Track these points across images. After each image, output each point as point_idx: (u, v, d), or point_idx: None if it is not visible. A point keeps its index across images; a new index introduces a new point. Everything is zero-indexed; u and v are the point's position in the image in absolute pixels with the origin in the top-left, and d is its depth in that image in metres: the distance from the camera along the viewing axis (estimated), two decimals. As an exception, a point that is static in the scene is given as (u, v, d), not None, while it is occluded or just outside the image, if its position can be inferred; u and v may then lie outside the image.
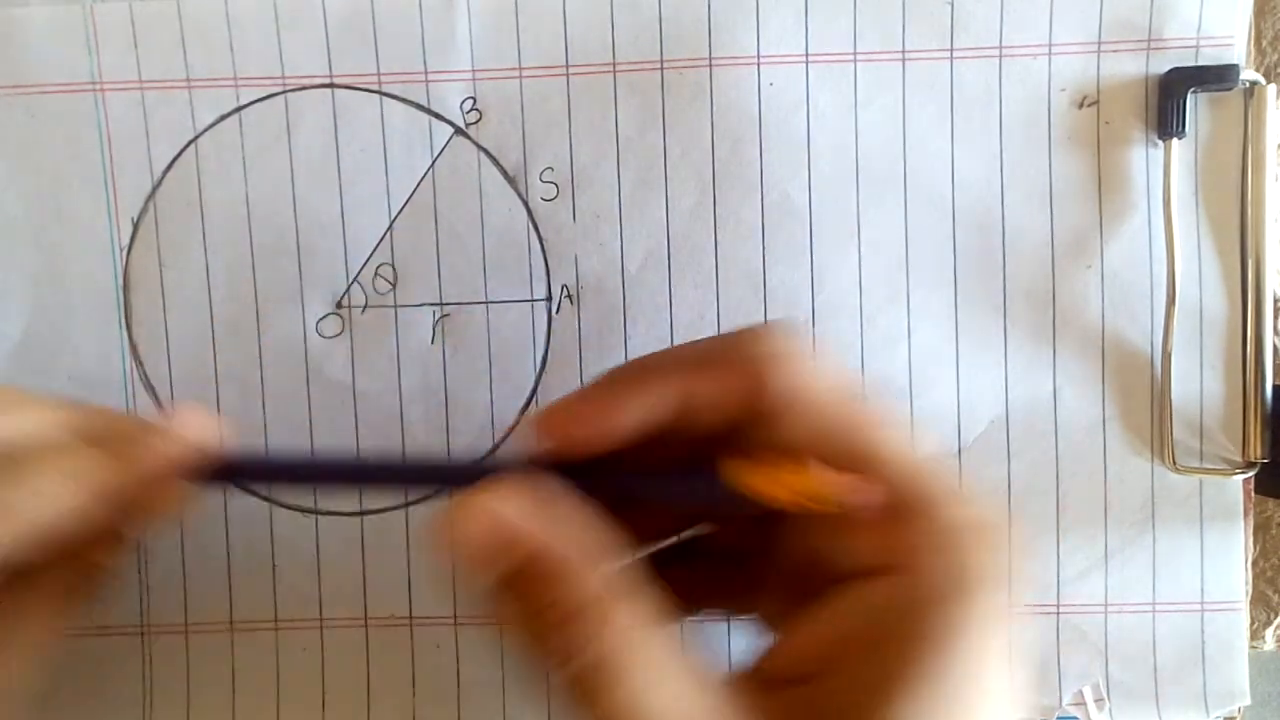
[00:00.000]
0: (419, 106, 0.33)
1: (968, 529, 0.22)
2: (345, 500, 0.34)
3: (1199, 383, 0.33)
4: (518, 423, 0.34)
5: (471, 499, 0.23)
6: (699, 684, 0.22)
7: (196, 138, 0.34)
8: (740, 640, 0.34)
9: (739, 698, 0.22)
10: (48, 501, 0.24)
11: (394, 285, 0.34)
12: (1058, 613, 0.34)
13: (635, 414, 0.24)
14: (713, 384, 0.24)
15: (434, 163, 0.33)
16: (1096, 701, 0.33)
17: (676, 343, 0.34)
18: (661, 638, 0.22)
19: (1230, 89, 0.32)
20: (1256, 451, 0.33)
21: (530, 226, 0.34)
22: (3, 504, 0.23)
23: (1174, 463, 0.33)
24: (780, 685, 0.23)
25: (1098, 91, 0.33)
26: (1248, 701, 0.33)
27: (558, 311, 0.34)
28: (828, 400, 0.24)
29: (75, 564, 0.27)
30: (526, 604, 0.22)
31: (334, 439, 0.34)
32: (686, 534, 0.28)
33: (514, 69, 0.33)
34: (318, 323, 0.34)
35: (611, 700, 0.21)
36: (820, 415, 0.24)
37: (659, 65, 0.33)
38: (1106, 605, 0.34)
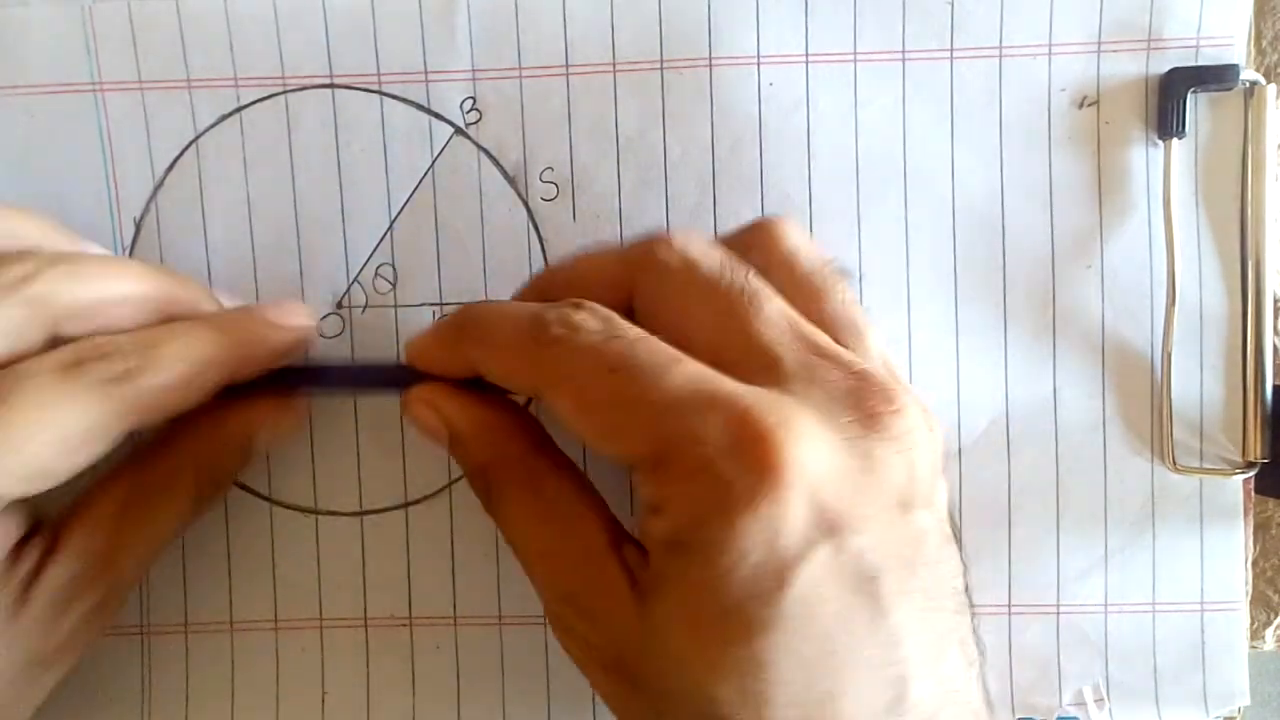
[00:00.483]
0: (419, 106, 0.33)
1: (700, 469, 0.24)
2: (345, 500, 0.34)
3: (1199, 383, 0.33)
4: (518, 423, 0.34)
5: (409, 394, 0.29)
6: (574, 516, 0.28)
7: (198, 138, 0.34)
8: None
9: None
10: (177, 371, 0.27)
11: (394, 285, 0.34)
12: (1057, 613, 0.34)
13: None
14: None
15: (434, 163, 0.34)
16: (1096, 701, 0.33)
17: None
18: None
19: (1230, 89, 0.32)
20: (1256, 451, 0.33)
21: (530, 226, 0.34)
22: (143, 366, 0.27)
23: (1174, 463, 0.33)
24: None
25: (1098, 91, 0.33)
26: (1248, 702, 0.33)
27: (558, 311, 0.34)
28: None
29: (205, 470, 0.30)
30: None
31: (334, 438, 0.34)
32: None
33: (514, 69, 0.33)
34: (318, 322, 0.34)
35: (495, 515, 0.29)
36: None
37: (659, 65, 0.33)
38: (1106, 605, 0.34)
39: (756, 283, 0.27)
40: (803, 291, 0.27)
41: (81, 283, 0.27)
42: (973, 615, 0.27)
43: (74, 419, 0.26)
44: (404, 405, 0.29)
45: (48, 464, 0.26)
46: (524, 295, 0.30)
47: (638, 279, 0.28)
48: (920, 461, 0.25)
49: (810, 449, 0.23)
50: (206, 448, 0.30)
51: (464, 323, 0.28)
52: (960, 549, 0.27)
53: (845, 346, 0.27)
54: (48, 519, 0.29)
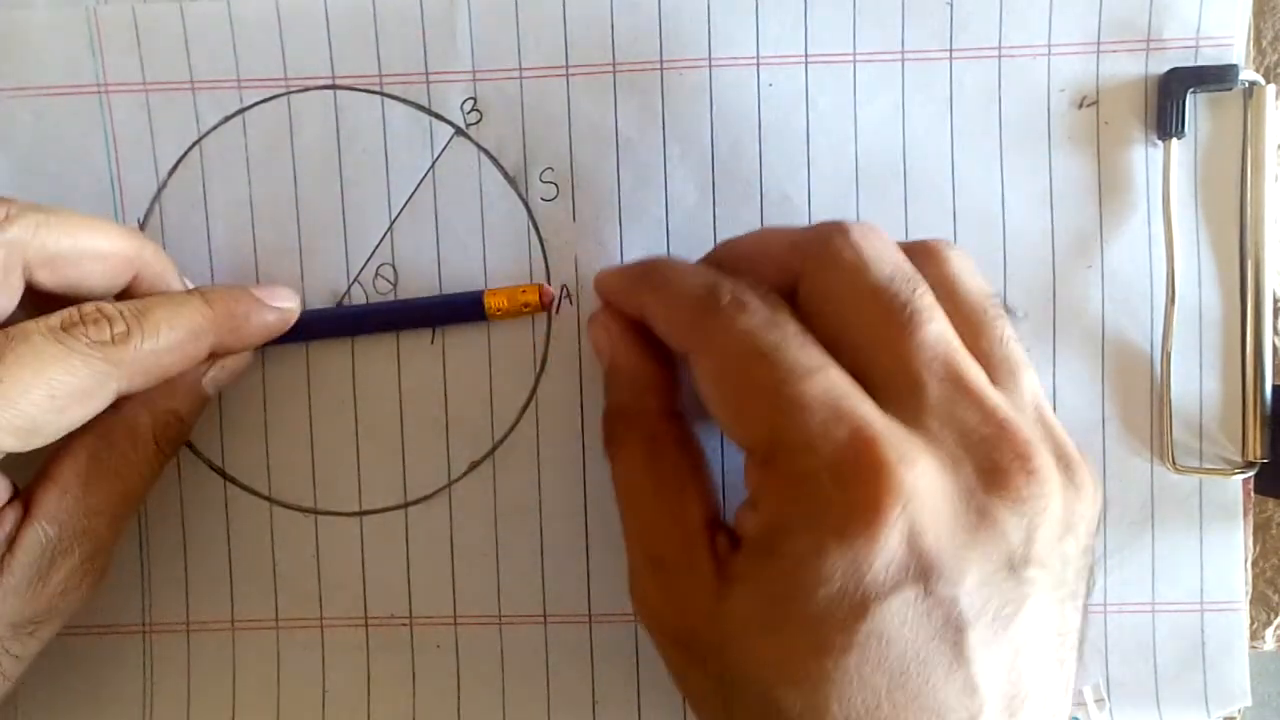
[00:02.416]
0: (420, 107, 0.34)
1: (805, 478, 0.24)
2: (345, 500, 0.34)
3: (1198, 383, 0.33)
4: (517, 422, 0.34)
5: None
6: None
7: (201, 139, 0.34)
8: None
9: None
10: (165, 337, 0.29)
11: (394, 285, 0.34)
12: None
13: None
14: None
15: (434, 163, 0.34)
16: (1096, 701, 0.33)
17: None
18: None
19: (1230, 89, 0.32)
20: (1256, 451, 0.32)
21: (530, 226, 0.34)
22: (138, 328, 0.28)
23: (1173, 463, 0.33)
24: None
25: (1097, 92, 0.33)
26: (1248, 702, 0.33)
27: (557, 311, 0.34)
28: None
29: (160, 416, 0.31)
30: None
31: (334, 438, 0.34)
32: None
33: (514, 69, 0.33)
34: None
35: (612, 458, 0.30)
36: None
37: (659, 65, 0.33)
38: (1106, 605, 0.33)
39: (924, 299, 0.26)
40: (964, 321, 0.27)
41: (56, 231, 0.28)
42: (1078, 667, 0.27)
43: (65, 377, 0.27)
44: (589, 322, 0.31)
45: (39, 420, 0.27)
46: (703, 262, 0.30)
47: (807, 266, 0.27)
48: (1044, 525, 0.25)
49: (922, 492, 0.23)
50: (157, 394, 0.30)
51: (650, 270, 0.29)
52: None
53: (999, 385, 0.26)
54: (20, 488, 0.30)
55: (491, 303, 0.33)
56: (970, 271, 0.28)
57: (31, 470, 0.30)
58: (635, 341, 0.30)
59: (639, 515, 0.29)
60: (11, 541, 0.28)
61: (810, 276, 0.27)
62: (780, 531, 0.25)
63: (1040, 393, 0.27)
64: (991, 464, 0.24)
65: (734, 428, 0.26)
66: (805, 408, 0.24)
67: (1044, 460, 0.25)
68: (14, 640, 0.29)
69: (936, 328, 0.26)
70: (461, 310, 0.33)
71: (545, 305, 0.33)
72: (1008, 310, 0.31)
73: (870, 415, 0.24)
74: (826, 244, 0.27)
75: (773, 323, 0.26)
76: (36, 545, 0.29)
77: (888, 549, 0.23)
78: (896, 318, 0.26)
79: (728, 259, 0.30)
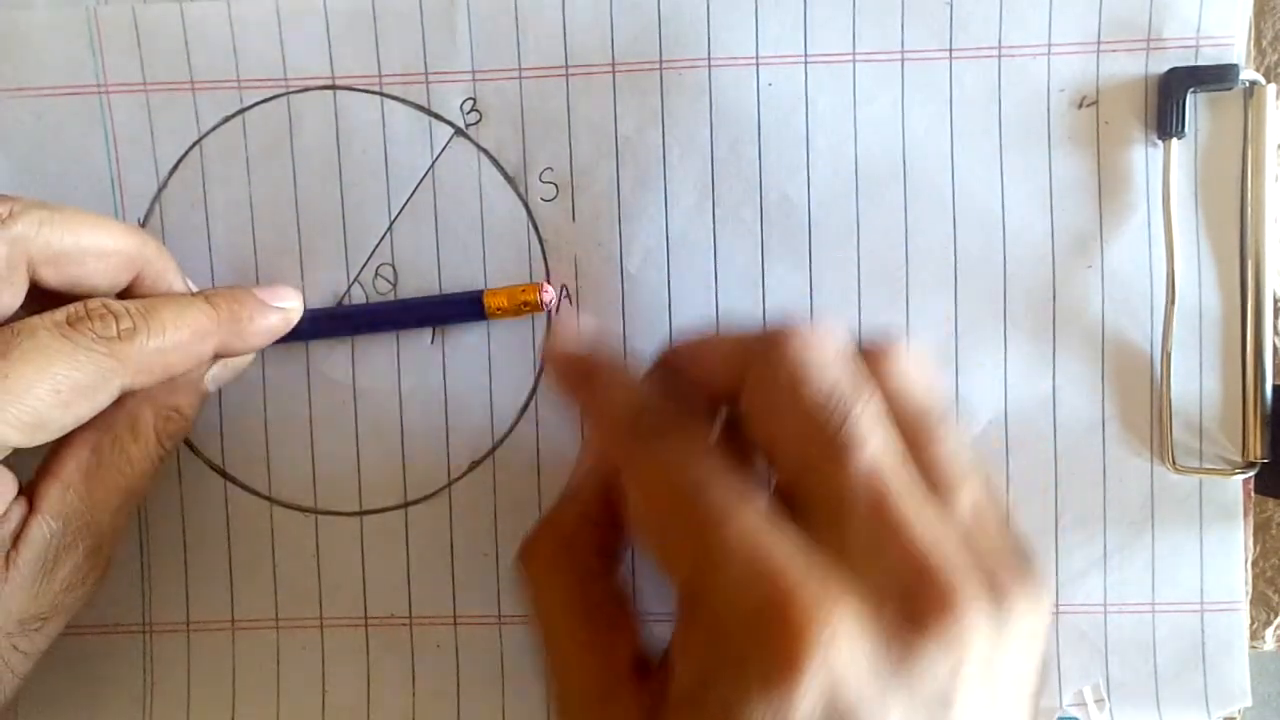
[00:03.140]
0: (419, 107, 0.34)
1: (725, 630, 0.24)
2: (345, 500, 0.34)
3: (1198, 383, 0.33)
4: (517, 422, 0.34)
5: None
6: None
7: (201, 139, 0.34)
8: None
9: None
10: (171, 336, 0.29)
11: (394, 285, 0.34)
12: (1057, 613, 0.33)
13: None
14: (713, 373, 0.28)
15: (434, 163, 0.34)
16: (1096, 702, 0.33)
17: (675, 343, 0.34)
18: None
19: (1230, 89, 0.32)
20: (1256, 451, 0.32)
21: (530, 226, 0.34)
22: (145, 326, 0.28)
23: (1173, 463, 0.33)
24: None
25: (1097, 91, 0.33)
26: (1248, 702, 0.33)
27: (557, 311, 0.34)
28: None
29: (162, 411, 0.31)
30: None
31: (334, 438, 0.34)
32: None
33: (514, 69, 0.33)
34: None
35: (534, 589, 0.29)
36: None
37: (658, 65, 0.33)
38: (1106, 605, 0.33)
39: (860, 421, 0.25)
40: (910, 430, 0.26)
41: (60, 228, 0.28)
42: None
43: (71, 372, 0.27)
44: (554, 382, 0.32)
45: (45, 415, 0.27)
46: (653, 368, 0.30)
47: (749, 374, 0.27)
48: (967, 663, 0.24)
49: (841, 640, 0.23)
50: (159, 390, 0.31)
51: (588, 375, 0.30)
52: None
53: (938, 498, 0.26)
54: (24, 485, 0.30)
55: (491, 302, 0.33)
56: (920, 377, 0.28)
57: (32, 467, 0.30)
58: (604, 471, 0.29)
59: (563, 651, 0.28)
60: (17, 538, 0.29)
61: (750, 387, 0.27)
62: (705, 681, 0.24)
63: (984, 503, 0.26)
64: (911, 604, 0.24)
65: (659, 563, 0.26)
66: (724, 555, 0.24)
67: (966, 595, 0.24)
68: (22, 636, 0.29)
69: (868, 453, 0.25)
70: (461, 310, 0.33)
71: (544, 305, 0.33)
72: (963, 417, 0.32)
73: (788, 562, 0.24)
74: (768, 354, 0.27)
75: (695, 457, 0.26)
76: (41, 540, 0.29)
77: (807, 701, 0.23)
78: (829, 441, 0.25)
79: (677, 363, 0.30)
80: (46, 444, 0.28)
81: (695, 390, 0.29)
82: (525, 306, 0.33)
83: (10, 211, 0.27)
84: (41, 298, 0.29)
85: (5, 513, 0.29)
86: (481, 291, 0.33)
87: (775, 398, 0.26)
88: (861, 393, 0.26)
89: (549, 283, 0.34)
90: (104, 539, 0.30)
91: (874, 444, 0.25)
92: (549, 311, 0.34)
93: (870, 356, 0.27)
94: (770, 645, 0.23)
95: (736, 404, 0.27)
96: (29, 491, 0.29)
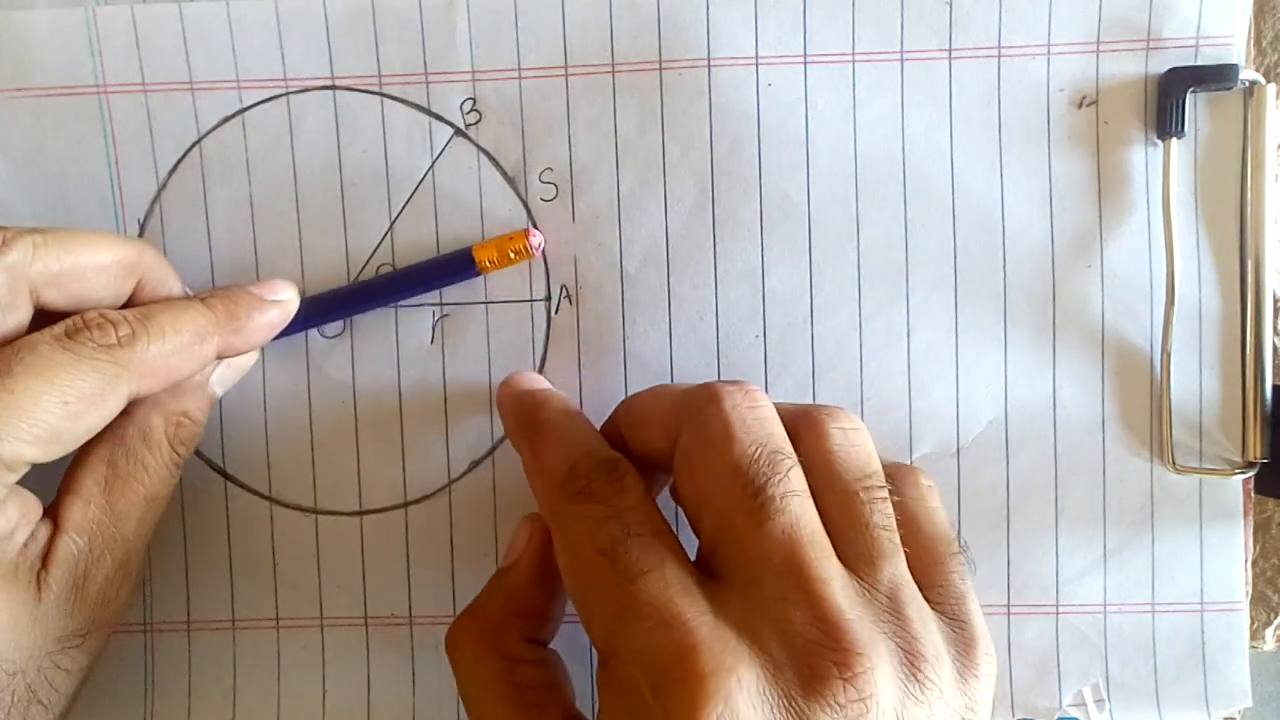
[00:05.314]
0: (419, 108, 0.34)
1: (632, 687, 0.25)
2: (345, 500, 0.34)
3: (1198, 383, 0.33)
4: (517, 422, 0.34)
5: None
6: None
7: (201, 139, 0.34)
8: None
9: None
10: (171, 339, 0.29)
11: (394, 285, 0.34)
12: (1057, 613, 0.33)
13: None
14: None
15: (434, 163, 0.34)
16: (1096, 702, 0.33)
17: (675, 342, 0.34)
18: None
19: (1230, 89, 0.32)
20: (1256, 451, 0.32)
21: (530, 226, 0.34)
22: (147, 333, 0.29)
23: (1173, 463, 0.33)
24: None
25: (1097, 91, 0.33)
26: (1249, 702, 0.33)
27: (557, 311, 0.34)
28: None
29: (172, 417, 0.31)
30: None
31: (334, 438, 0.34)
32: None
33: (514, 70, 0.33)
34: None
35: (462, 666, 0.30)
36: None
37: (658, 65, 0.33)
38: (1106, 605, 0.33)
39: (780, 486, 0.26)
40: (834, 501, 0.27)
41: (55, 250, 0.28)
42: None
43: (76, 382, 0.27)
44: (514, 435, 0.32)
45: (56, 427, 0.27)
46: (608, 421, 0.31)
47: (682, 430, 0.28)
48: None
49: (738, 704, 0.23)
50: (166, 396, 0.31)
51: (534, 424, 0.30)
52: None
53: (856, 573, 0.26)
54: (47, 506, 0.30)
55: (481, 256, 0.33)
56: (851, 448, 0.28)
57: (53, 489, 0.30)
58: (543, 568, 0.30)
59: None
60: (46, 557, 0.29)
61: (682, 443, 0.28)
62: None
63: (902, 583, 0.27)
64: (810, 669, 0.24)
65: (581, 619, 0.27)
66: (635, 614, 0.25)
67: (871, 664, 0.24)
68: (63, 654, 0.29)
69: (785, 520, 0.26)
70: (454, 269, 0.33)
71: (533, 251, 0.33)
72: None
73: (695, 623, 0.24)
74: (700, 412, 0.28)
75: (616, 517, 0.27)
76: (70, 558, 0.29)
77: None
78: (748, 504, 0.26)
79: (624, 419, 0.31)
80: (64, 463, 0.28)
81: (640, 446, 0.30)
82: (515, 255, 0.33)
83: (3, 240, 0.28)
84: (51, 321, 0.29)
85: (33, 533, 0.29)
86: (471, 247, 0.33)
87: (703, 454, 0.27)
88: (783, 457, 0.27)
89: (549, 282, 0.34)
90: (131, 551, 0.30)
91: (792, 508, 0.26)
92: (549, 311, 0.34)
93: (801, 424, 0.28)
94: (671, 704, 0.24)
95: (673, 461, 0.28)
96: (51, 512, 0.30)
